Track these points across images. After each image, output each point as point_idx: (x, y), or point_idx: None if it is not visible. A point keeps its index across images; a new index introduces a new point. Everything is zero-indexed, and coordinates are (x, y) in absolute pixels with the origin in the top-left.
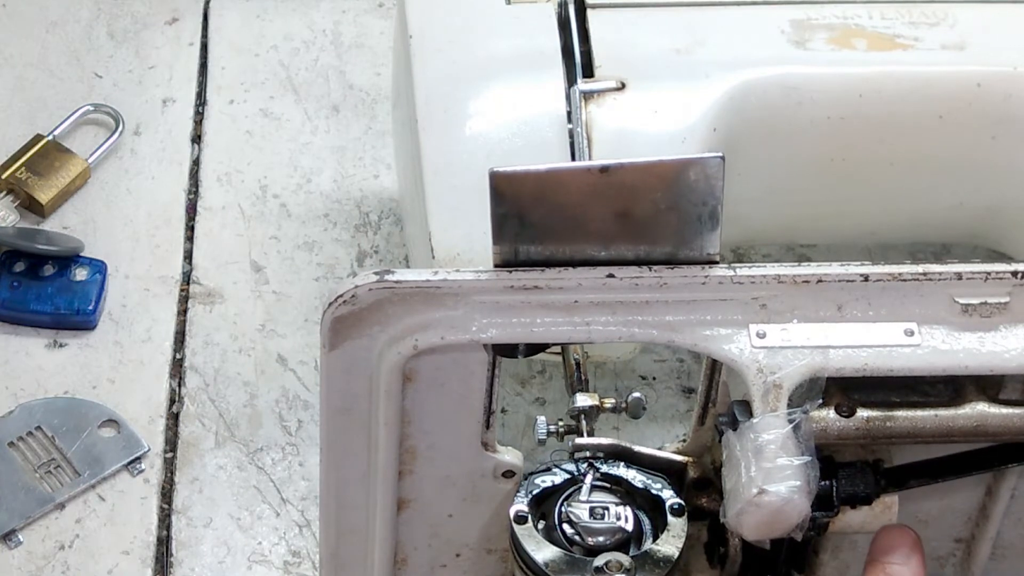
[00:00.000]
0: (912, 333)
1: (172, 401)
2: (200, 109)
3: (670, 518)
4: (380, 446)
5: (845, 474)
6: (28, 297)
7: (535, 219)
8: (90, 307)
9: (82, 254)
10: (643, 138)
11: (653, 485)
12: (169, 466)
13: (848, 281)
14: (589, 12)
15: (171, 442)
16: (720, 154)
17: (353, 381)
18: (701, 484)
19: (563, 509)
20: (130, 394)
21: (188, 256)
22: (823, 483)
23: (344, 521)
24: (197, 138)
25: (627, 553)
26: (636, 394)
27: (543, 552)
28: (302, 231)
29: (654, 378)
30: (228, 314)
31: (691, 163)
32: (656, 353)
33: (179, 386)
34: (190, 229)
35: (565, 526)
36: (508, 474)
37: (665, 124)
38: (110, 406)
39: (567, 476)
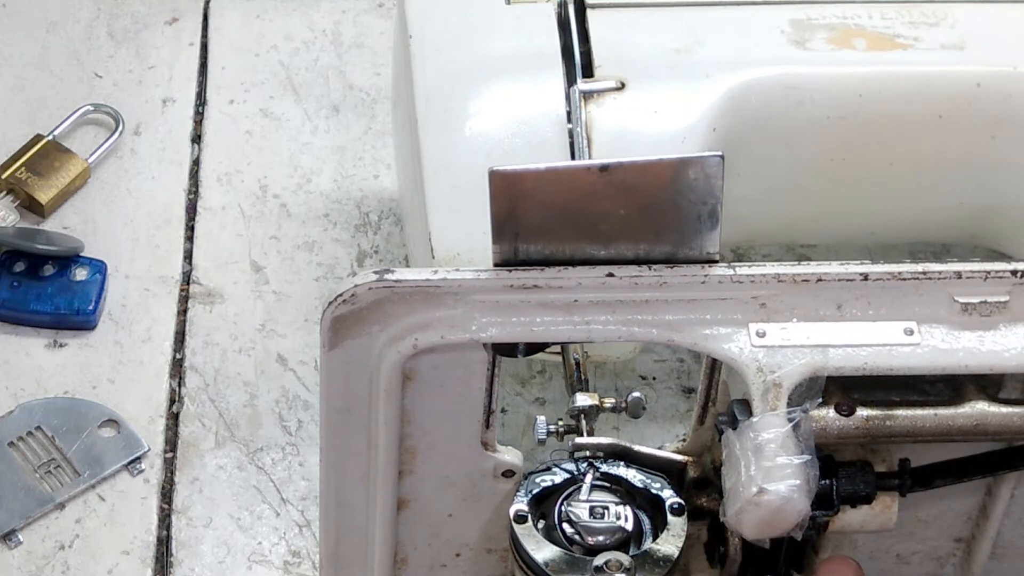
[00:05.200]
0: (912, 332)
1: (172, 401)
2: (200, 109)
3: (670, 517)
4: (380, 446)
5: (845, 473)
6: (28, 297)
7: (534, 218)
8: (90, 307)
9: (82, 254)
10: (643, 138)
11: (653, 484)
12: (169, 466)
13: (848, 280)
14: (589, 12)
15: (171, 442)
16: (719, 153)
17: (353, 381)
18: (701, 483)
19: (563, 508)
20: (130, 394)
21: (188, 256)
22: (823, 482)
23: (344, 521)
24: (197, 138)
25: (627, 552)
26: (636, 394)
27: (543, 552)
28: (302, 231)
29: (654, 378)
30: (228, 314)
31: (690, 162)
32: (656, 353)
33: (179, 386)
34: (190, 229)
35: (565, 525)
36: (508, 474)
37: (665, 124)
38: (110, 406)
39: (567, 476)
